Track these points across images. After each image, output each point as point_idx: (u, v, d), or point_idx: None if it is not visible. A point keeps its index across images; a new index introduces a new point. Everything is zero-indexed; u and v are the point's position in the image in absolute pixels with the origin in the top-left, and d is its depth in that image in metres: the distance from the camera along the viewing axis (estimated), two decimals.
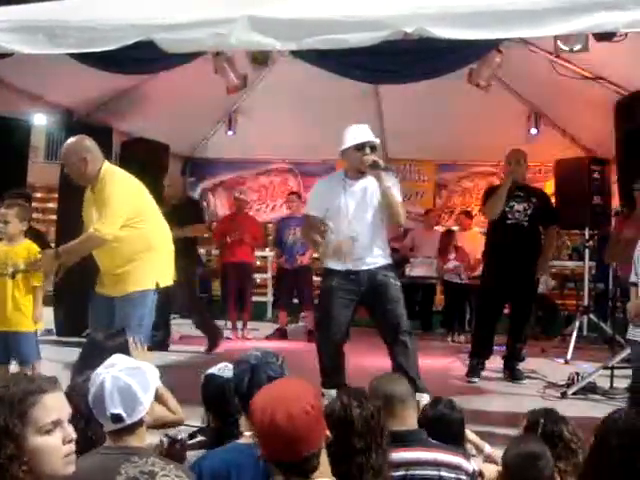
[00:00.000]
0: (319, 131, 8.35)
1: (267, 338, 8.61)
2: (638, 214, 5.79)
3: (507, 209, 6.23)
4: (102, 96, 7.79)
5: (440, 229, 9.99)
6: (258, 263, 10.28)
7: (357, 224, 4.84)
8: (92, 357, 3.13)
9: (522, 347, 6.51)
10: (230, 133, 9.82)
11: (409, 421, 2.77)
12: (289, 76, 7.57)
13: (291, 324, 9.15)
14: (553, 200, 7.17)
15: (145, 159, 8.04)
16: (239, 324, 8.80)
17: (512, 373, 6.34)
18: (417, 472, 2.59)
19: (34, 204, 9.49)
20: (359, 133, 4.84)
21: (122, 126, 8.51)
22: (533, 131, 8.87)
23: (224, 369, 2.99)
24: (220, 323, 9.21)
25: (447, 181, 10.78)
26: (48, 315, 7.53)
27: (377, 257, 4.90)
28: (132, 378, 2.23)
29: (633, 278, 4.49)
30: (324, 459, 1.95)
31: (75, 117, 7.71)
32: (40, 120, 7.81)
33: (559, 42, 4.50)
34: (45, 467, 1.74)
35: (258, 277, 10.39)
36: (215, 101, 8.69)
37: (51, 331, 7.79)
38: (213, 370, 3.04)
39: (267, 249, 10.35)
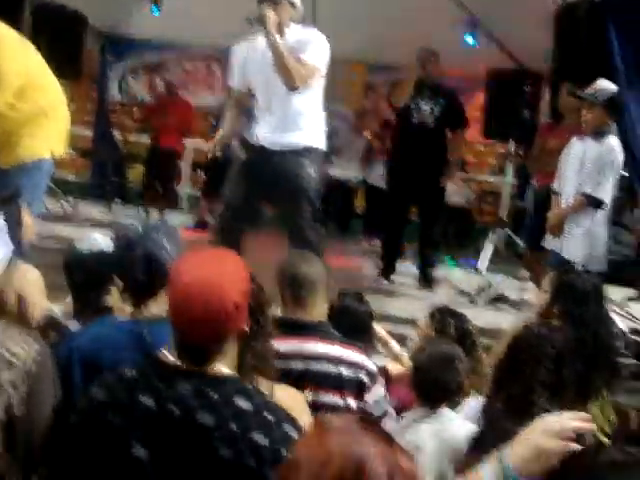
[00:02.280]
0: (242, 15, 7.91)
1: (186, 230, 8.33)
2: (565, 124, 5.71)
3: (413, 107, 6.09)
4: None
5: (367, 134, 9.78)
6: None
7: (270, 91, 4.21)
8: None
9: (431, 252, 6.48)
10: (155, 10, 9.23)
11: (314, 310, 2.58)
12: None
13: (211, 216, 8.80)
14: (482, 111, 7.09)
15: (59, 29, 7.50)
16: (155, 214, 8.50)
17: (424, 279, 6.34)
18: (317, 367, 2.46)
19: None
20: None
21: None
22: (469, 39, 8.64)
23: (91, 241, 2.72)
24: (133, 212, 8.97)
25: (376, 84, 10.51)
26: None
27: (294, 135, 4.21)
28: None
29: (555, 186, 4.46)
30: (232, 346, 1.75)
31: None
32: None
33: None
34: None
35: None
36: None
37: None
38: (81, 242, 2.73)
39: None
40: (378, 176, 8.80)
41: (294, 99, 4.17)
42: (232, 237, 4.20)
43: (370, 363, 2.60)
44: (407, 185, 6.15)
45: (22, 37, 4.24)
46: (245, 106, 4.51)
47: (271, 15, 4.02)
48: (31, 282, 2.90)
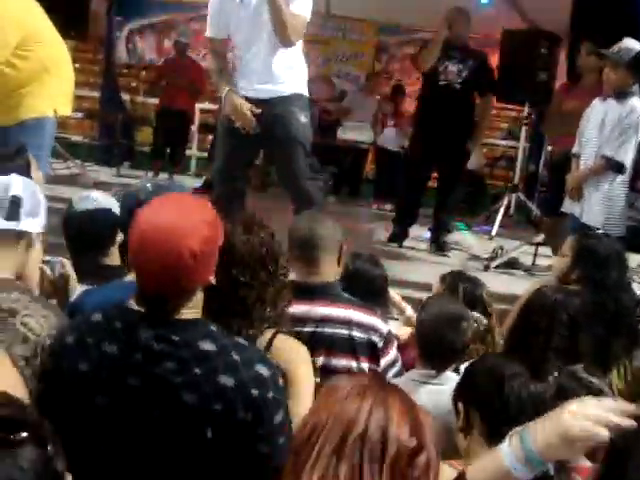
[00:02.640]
0: None
1: (195, 191, 8.24)
2: (584, 85, 5.54)
3: (440, 68, 5.86)
4: None
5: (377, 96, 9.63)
6: None
7: (252, 42, 4.01)
8: None
9: (448, 218, 6.35)
10: None
11: (325, 271, 2.47)
12: None
13: None
14: (495, 73, 6.89)
15: None
16: (164, 175, 8.39)
17: (437, 244, 6.19)
18: (326, 329, 2.37)
19: None
20: None
21: None
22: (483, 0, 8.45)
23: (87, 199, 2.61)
24: (141, 173, 8.88)
25: (388, 45, 10.33)
26: None
27: (280, 84, 4.05)
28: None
29: (576, 149, 4.34)
30: (197, 300, 1.66)
31: None
32: None
33: None
34: None
35: None
36: None
37: None
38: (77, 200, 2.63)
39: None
40: (389, 139, 8.68)
41: (279, 49, 4.00)
42: (233, 197, 4.10)
43: (382, 325, 2.51)
44: (430, 148, 5.93)
45: None
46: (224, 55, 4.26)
47: None
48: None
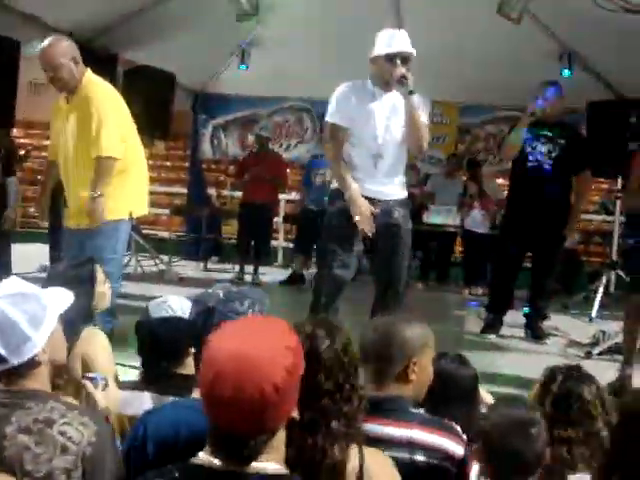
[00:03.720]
0: (335, 67, 7.82)
1: (281, 284, 8.21)
2: None
3: (529, 149, 5.55)
4: (106, 21, 7.31)
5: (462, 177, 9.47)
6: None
7: (384, 142, 4.13)
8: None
9: (545, 304, 5.98)
10: (243, 67, 9.29)
11: (388, 382, 2.22)
12: (304, 7, 7.07)
13: (307, 270, 8.54)
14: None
15: (149, 89, 7.62)
16: (249, 269, 8.40)
17: (534, 331, 5.83)
18: (387, 453, 2.02)
19: None
20: (393, 40, 4.10)
21: (128, 54, 8.02)
22: (565, 73, 8.24)
23: (161, 306, 2.53)
24: (228, 267, 8.94)
25: (470, 125, 10.21)
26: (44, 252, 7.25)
27: (397, 187, 4.23)
28: (14, 307, 1.77)
29: None
30: (279, 439, 1.48)
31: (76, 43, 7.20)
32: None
33: None
34: None
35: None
36: (227, 32, 8.19)
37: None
38: (152, 306, 2.56)
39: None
40: (477, 221, 8.46)
41: (400, 153, 4.21)
42: (333, 288, 4.13)
43: (456, 446, 2.20)
44: (524, 233, 5.64)
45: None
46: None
47: (410, 76, 4.00)
48: (98, 347, 2.77)
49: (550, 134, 5.60)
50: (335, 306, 4.12)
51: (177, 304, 2.54)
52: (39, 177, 9.86)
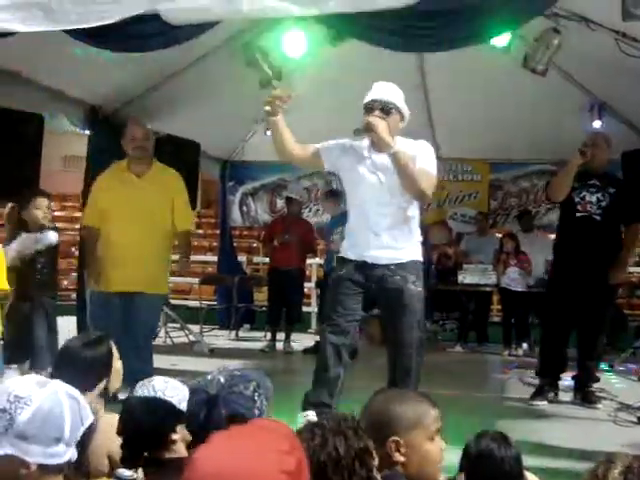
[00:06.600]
0: None
1: (305, 352, 7.96)
2: None
3: (578, 199, 5.33)
4: (129, 92, 7.32)
5: (497, 234, 9.24)
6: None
7: (378, 211, 3.91)
8: (63, 368, 2.55)
9: (594, 364, 5.64)
10: (269, 134, 9.24)
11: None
12: (326, 71, 7.02)
13: None
14: None
15: (175, 158, 7.59)
16: (280, 335, 8.20)
17: (583, 394, 5.48)
18: None
19: None
20: (371, 91, 3.97)
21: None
22: (597, 124, 8.02)
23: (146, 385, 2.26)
24: (259, 335, 8.75)
25: (502, 181, 10.03)
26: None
27: (400, 251, 3.94)
28: (70, 410, 1.59)
29: None
30: None
31: (100, 115, 7.23)
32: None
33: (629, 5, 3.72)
34: None
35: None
36: (250, 99, 8.17)
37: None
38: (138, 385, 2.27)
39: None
40: (513, 279, 8.19)
41: (402, 213, 3.94)
42: (330, 354, 3.90)
43: None
44: (573, 287, 5.35)
45: None
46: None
47: (381, 123, 3.78)
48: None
49: (599, 183, 5.40)
50: (337, 371, 3.88)
51: (162, 385, 2.31)
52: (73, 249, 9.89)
